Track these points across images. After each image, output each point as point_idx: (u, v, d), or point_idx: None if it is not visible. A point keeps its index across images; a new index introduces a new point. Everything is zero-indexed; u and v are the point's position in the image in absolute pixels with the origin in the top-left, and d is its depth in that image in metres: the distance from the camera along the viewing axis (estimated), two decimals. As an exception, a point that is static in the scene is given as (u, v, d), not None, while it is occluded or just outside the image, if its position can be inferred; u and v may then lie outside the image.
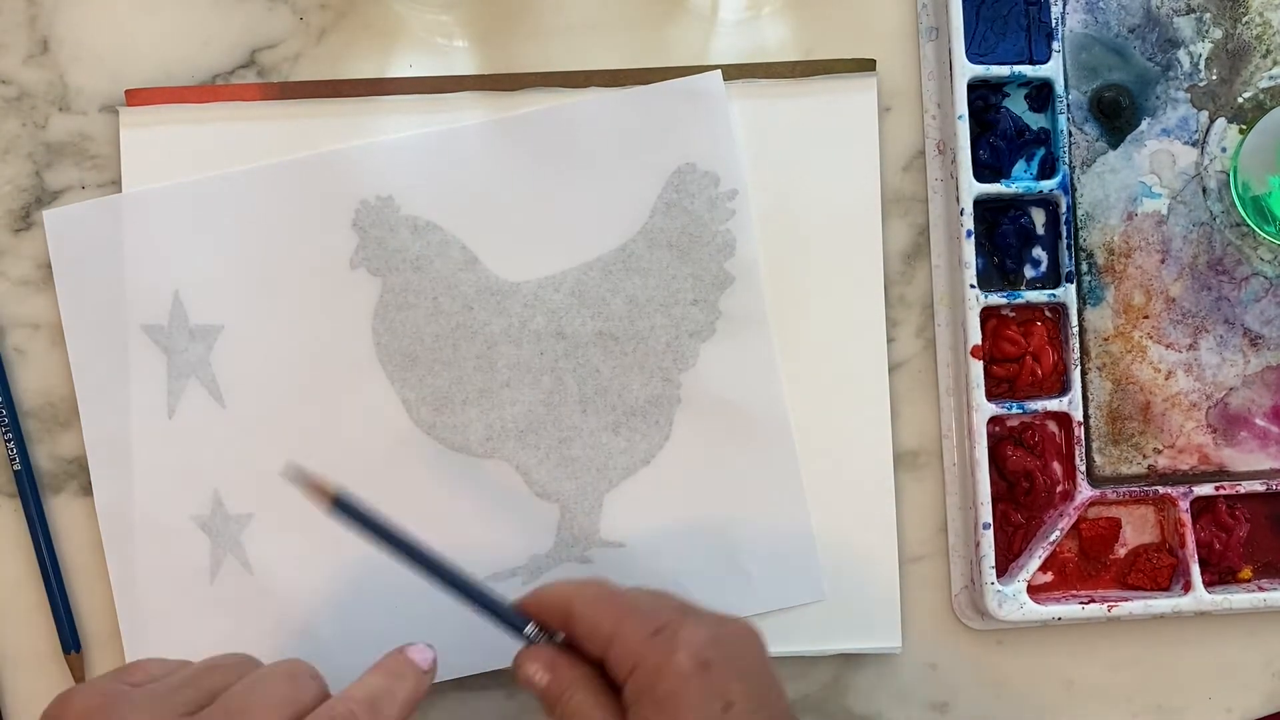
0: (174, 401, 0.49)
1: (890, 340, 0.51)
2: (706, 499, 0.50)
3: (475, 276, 0.49)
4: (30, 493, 0.49)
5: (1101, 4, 0.51)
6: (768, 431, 0.50)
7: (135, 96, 0.49)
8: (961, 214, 0.49)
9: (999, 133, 0.50)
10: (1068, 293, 0.50)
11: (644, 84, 0.49)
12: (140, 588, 0.49)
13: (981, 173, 0.50)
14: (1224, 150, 0.51)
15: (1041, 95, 0.50)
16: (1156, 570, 0.50)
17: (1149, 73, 0.51)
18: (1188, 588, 0.50)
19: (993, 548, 0.49)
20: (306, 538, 0.49)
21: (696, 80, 0.49)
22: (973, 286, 0.49)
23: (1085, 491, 0.50)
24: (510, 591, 0.49)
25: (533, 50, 0.50)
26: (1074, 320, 0.50)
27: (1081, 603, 0.49)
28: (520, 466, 0.50)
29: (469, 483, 0.49)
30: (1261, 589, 0.50)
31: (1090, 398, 0.51)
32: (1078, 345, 0.50)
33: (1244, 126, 0.50)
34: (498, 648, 0.49)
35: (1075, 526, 0.51)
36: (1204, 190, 0.51)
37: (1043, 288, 0.50)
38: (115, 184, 0.49)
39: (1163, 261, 0.51)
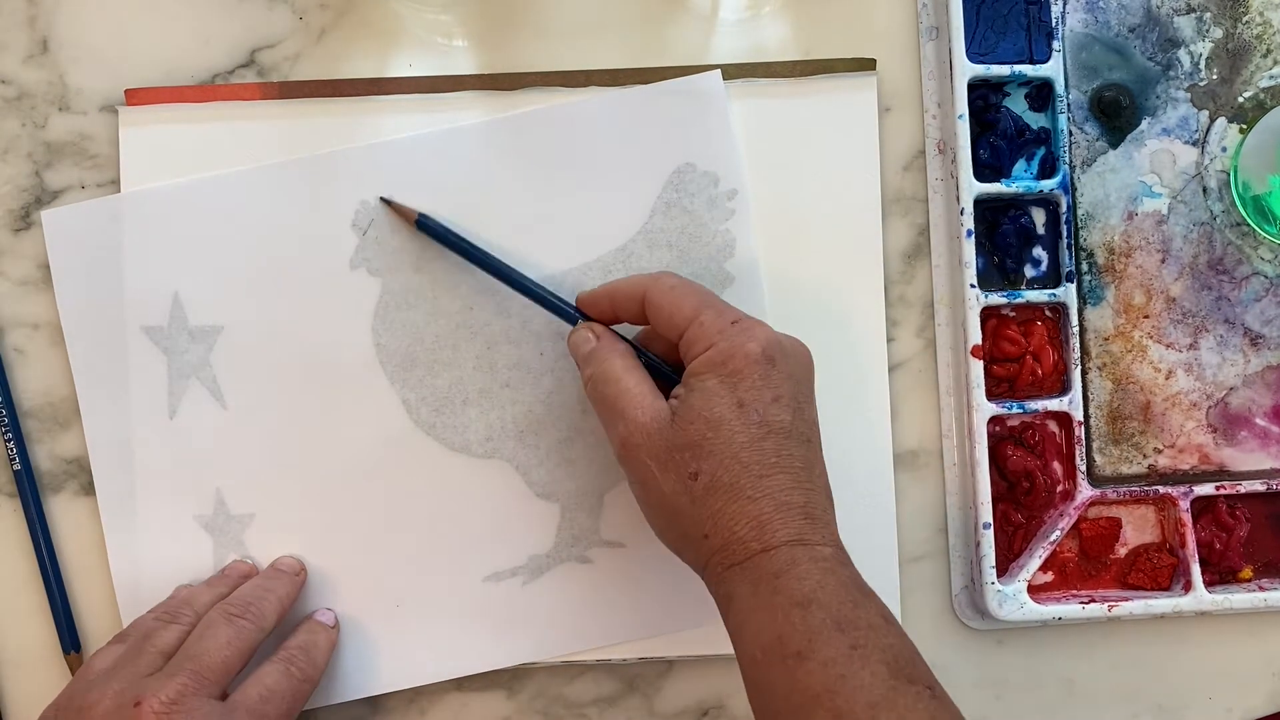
0: (175, 402, 0.49)
1: (890, 340, 0.51)
2: (706, 499, 0.50)
3: (475, 277, 0.49)
4: (30, 493, 0.49)
5: (1102, 3, 0.51)
6: (768, 431, 0.50)
7: (135, 96, 0.49)
8: (962, 214, 0.49)
9: (999, 132, 0.50)
10: (1068, 292, 0.50)
11: (644, 84, 0.49)
12: (143, 587, 0.49)
13: (982, 172, 0.50)
14: (1224, 150, 0.51)
15: (1042, 95, 0.50)
16: (1157, 570, 0.50)
17: (1149, 72, 0.51)
18: (1188, 588, 0.50)
19: (993, 548, 0.49)
20: (308, 537, 0.49)
21: (696, 80, 0.49)
22: (973, 286, 0.49)
23: (1085, 491, 0.50)
24: (511, 591, 0.49)
25: (533, 50, 0.50)
26: (1074, 320, 0.50)
27: (1081, 603, 0.49)
28: (520, 466, 0.50)
29: (469, 483, 0.49)
30: (1261, 589, 0.50)
31: (1090, 397, 0.51)
32: (1078, 345, 0.50)
33: (1244, 126, 0.50)
34: (497, 648, 0.50)
35: (1075, 526, 0.51)
36: (1204, 190, 0.51)
37: (1043, 287, 0.50)
38: (115, 184, 0.49)
39: (1163, 261, 0.51)
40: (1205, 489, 0.50)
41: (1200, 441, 0.51)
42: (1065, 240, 0.50)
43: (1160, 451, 0.51)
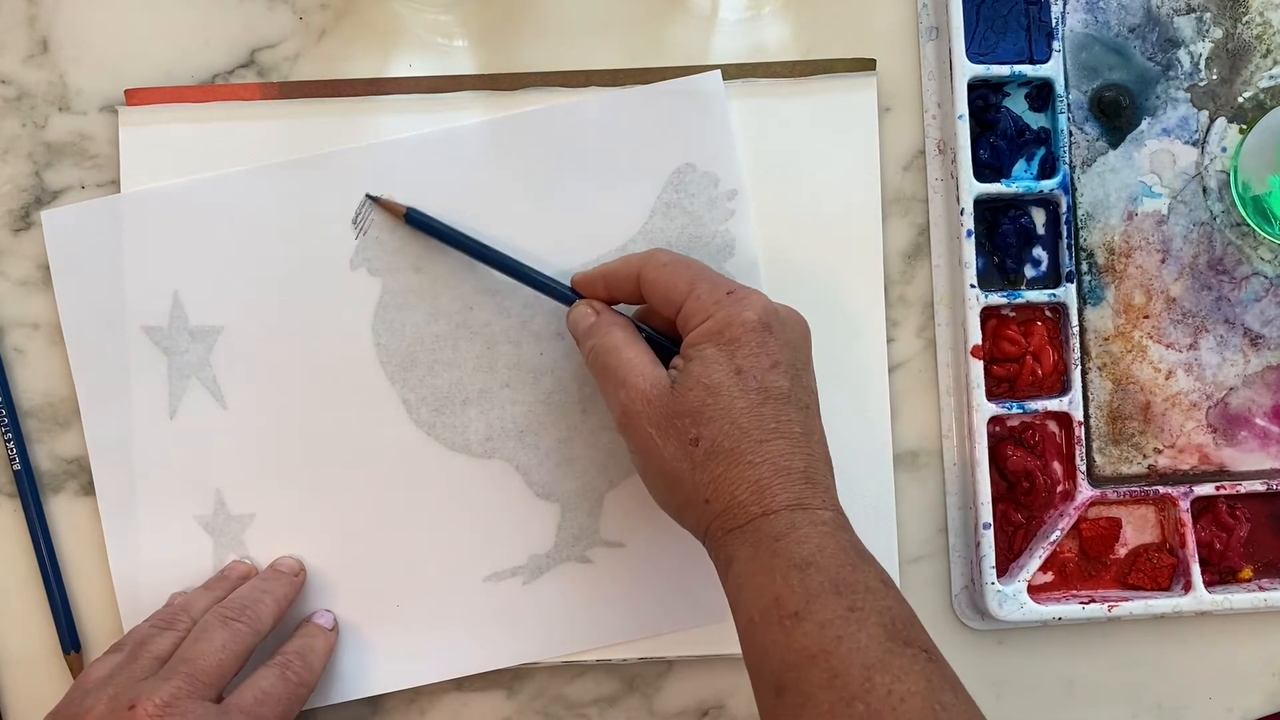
0: (175, 402, 0.49)
1: (890, 340, 0.51)
2: (706, 499, 0.50)
3: (475, 277, 0.49)
4: (30, 493, 0.49)
5: (1102, 4, 0.51)
6: (768, 431, 0.50)
7: (135, 96, 0.49)
8: (962, 214, 0.49)
9: (999, 132, 0.50)
10: (1068, 292, 0.50)
11: (644, 84, 0.49)
12: (143, 587, 0.49)
13: (982, 172, 0.50)
14: (1224, 150, 0.51)
15: (1042, 95, 0.50)
16: (1157, 570, 0.50)
17: (1149, 72, 0.51)
18: (1188, 588, 0.50)
19: (993, 548, 0.49)
20: (308, 537, 0.49)
21: (696, 80, 0.49)
22: (973, 286, 0.49)
23: (1085, 491, 0.50)
24: (511, 591, 0.49)
25: (533, 50, 0.50)
26: (1074, 320, 0.50)
27: (1082, 603, 0.49)
28: (520, 466, 0.50)
29: (469, 483, 0.49)
30: (1261, 589, 0.50)
31: (1090, 398, 0.51)
32: (1078, 345, 0.50)
33: (1244, 126, 0.50)
34: (497, 648, 0.50)
35: (1075, 526, 0.51)
36: (1204, 190, 0.51)
37: (1043, 287, 0.50)
38: (115, 184, 0.49)
39: (1163, 261, 0.51)
40: (1205, 489, 0.50)
41: (1200, 441, 0.51)
42: (1065, 240, 0.50)
43: (1160, 452, 0.51)
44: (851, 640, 0.36)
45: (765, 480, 0.40)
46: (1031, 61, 0.50)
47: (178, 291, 0.49)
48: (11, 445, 0.49)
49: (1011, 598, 0.49)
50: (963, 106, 0.49)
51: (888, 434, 0.50)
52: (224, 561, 0.49)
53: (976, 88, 0.50)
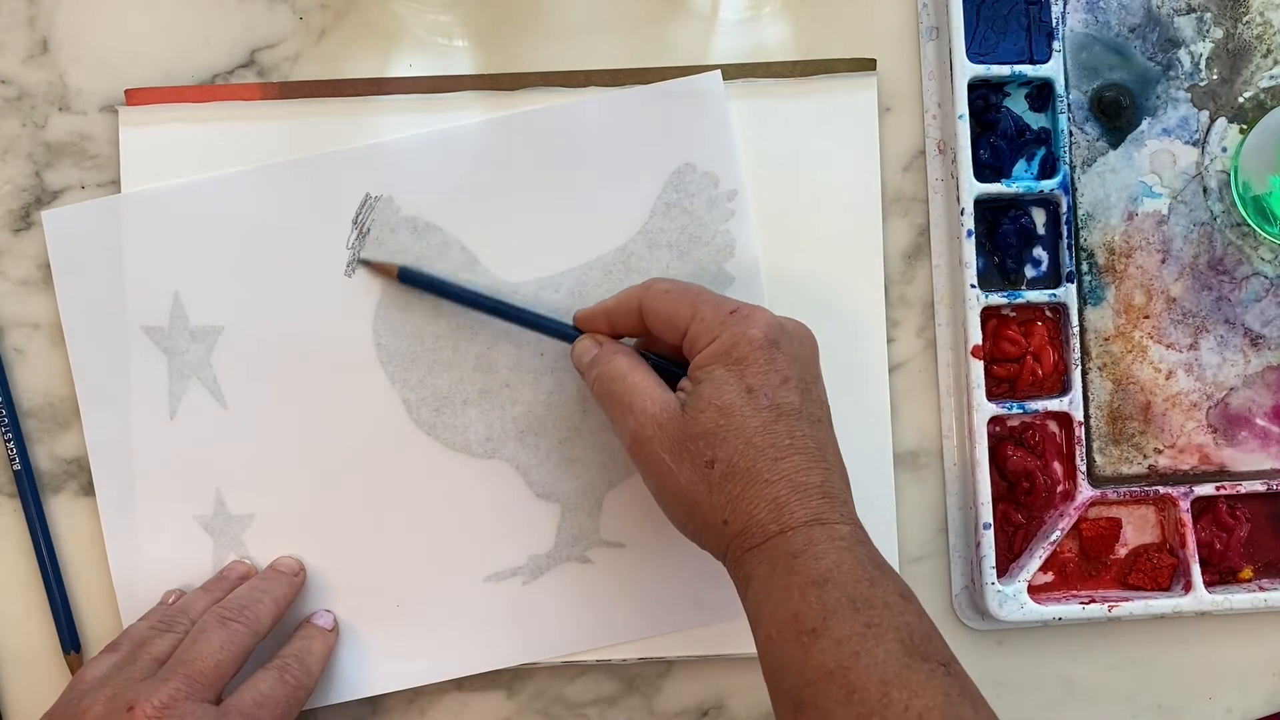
0: (175, 403, 0.49)
1: (890, 340, 0.51)
2: (706, 499, 0.50)
3: (475, 277, 0.49)
4: (30, 493, 0.49)
5: (1102, 4, 0.51)
6: (768, 431, 0.50)
7: (135, 96, 0.49)
8: (962, 214, 0.49)
9: (999, 132, 0.50)
10: (1068, 292, 0.50)
11: (644, 84, 0.49)
12: (143, 588, 0.49)
13: (982, 172, 0.50)
14: (1224, 150, 0.51)
15: (1042, 95, 0.50)
16: (1157, 570, 0.50)
17: (1149, 72, 0.51)
18: (1188, 588, 0.50)
19: (993, 548, 0.49)
20: (308, 537, 0.49)
21: (696, 80, 0.49)
22: (973, 286, 0.49)
23: (1086, 491, 0.50)
24: (511, 591, 0.49)
25: (533, 50, 0.50)
26: (1074, 320, 0.50)
27: (1082, 603, 0.49)
28: (520, 466, 0.50)
29: (469, 483, 0.49)
30: (1262, 589, 0.50)
31: (1091, 398, 0.51)
32: (1078, 345, 0.50)
33: (1244, 126, 0.50)
34: (497, 648, 0.50)
35: (1076, 526, 0.51)
36: (1204, 190, 0.51)
37: (1043, 288, 0.50)
38: (115, 184, 0.49)
39: (1163, 261, 0.51)
40: (1205, 489, 0.50)
41: (1200, 442, 0.51)
42: (1065, 240, 0.50)
43: (1160, 452, 0.51)
44: (869, 656, 0.36)
45: (783, 498, 0.39)
46: (1032, 61, 0.50)
47: (178, 292, 0.49)
48: (11, 445, 0.49)
49: (1011, 598, 0.49)
50: (963, 106, 0.49)
51: (888, 434, 0.50)
52: (224, 561, 0.49)
53: (977, 88, 0.50)
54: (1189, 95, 0.51)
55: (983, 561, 0.49)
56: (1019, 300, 0.50)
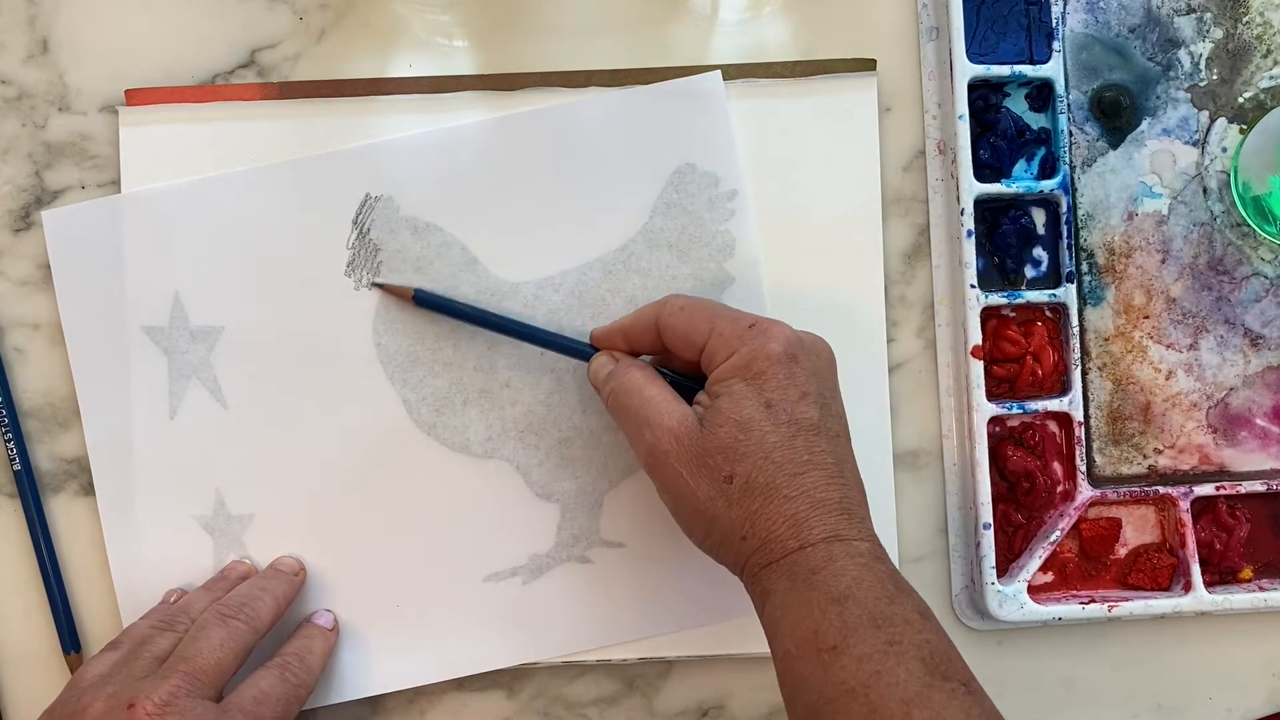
0: (175, 403, 0.49)
1: (890, 340, 0.51)
2: (706, 499, 0.50)
3: (475, 277, 0.49)
4: (30, 493, 0.49)
5: (1102, 4, 0.51)
6: (768, 431, 0.50)
7: (135, 96, 0.49)
8: (962, 214, 0.49)
9: (999, 132, 0.50)
10: (1068, 293, 0.50)
11: (644, 84, 0.49)
12: (143, 587, 0.49)
13: (982, 173, 0.50)
14: (1224, 150, 0.51)
15: (1042, 95, 0.50)
16: (1157, 570, 0.50)
17: (1149, 73, 0.51)
18: (1188, 588, 0.50)
19: (993, 548, 0.49)
20: (308, 537, 0.49)
21: (696, 80, 0.49)
22: (973, 286, 0.49)
23: (1086, 491, 0.50)
24: (511, 591, 0.49)
25: (533, 50, 0.50)
26: (1074, 320, 0.50)
27: (1081, 603, 0.49)
28: (520, 466, 0.50)
29: (469, 483, 0.49)
30: (1261, 589, 0.50)
31: (1091, 398, 0.51)
32: (1078, 345, 0.50)
33: (1244, 126, 0.50)
34: (497, 648, 0.50)
35: (1075, 526, 0.51)
36: (1204, 190, 0.51)
37: (1043, 288, 0.50)
38: (115, 184, 0.49)
39: (1163, 261, 0.51)
40: (1205, 489, 0.50)
41: (1200, 442, 0.51)
42: (1065, 240, 0.50)
43: (1160, 452, 0.51)
44: (890, 675, 0.36)
45: (802, 514, 0.39)
46: (1032, 62, 0.50)
47: (178, 292, 0.49)
48: (11, 445, 0.49)
49: (1011, 598, 0.49)
50: (963, 106, 0.49)
51: (888, 434, 0.50)
52: (224, 561, 0.49)
53: (976, 88, 0.50)
54: (1189, 95, 0.51)
55: (983, 561, 0.49)
56: (1019, 300, 0.50)
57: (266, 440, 0.49)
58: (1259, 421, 0.51)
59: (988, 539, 0.49)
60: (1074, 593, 0.51)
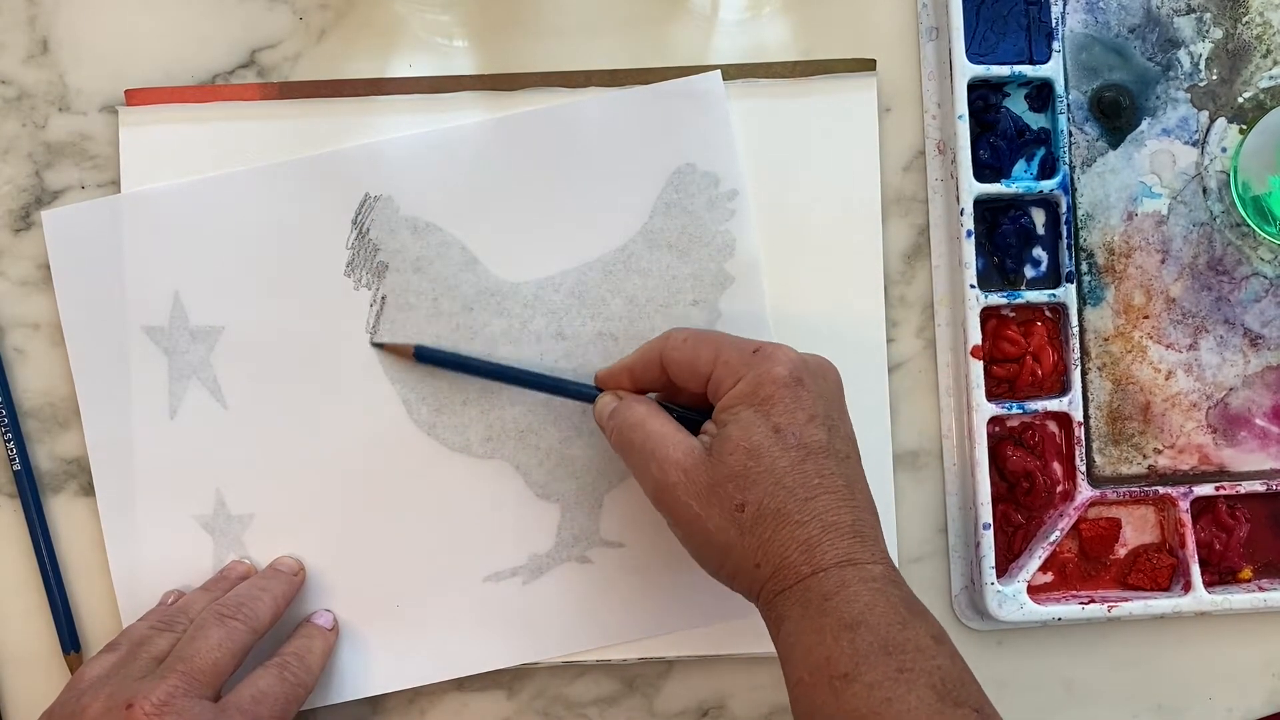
0: (175, 403, 0.49)
1: (890, 340, 0.51)
2: (706, 499, 0.50)
3: (475, 277, 0.49)
4: (30, 493, 0.49)
5: (1102, 4, 0.51)
6: (768, 431, 0.50)
7: (135, 96, 0.49)
8: (961, 214, 0.49)
9: (999, 133, 0.50)
10: (1068, 293, 0.50)
11: (644, 84, 0.49)
12: (143, 587, 0.49)
13: (982, 173, 0.50)
14: (1224, 150, 0.51)
15: (1042, 95, 0.50)
16: (1156, 570, 0.50)
17: (1149, 73, 0.51)
18: (1188, 588, 0.50)
19: (993, 548, 0.49)
20: (308, 537, 0.49)
21: (696, 80, 0.49)
22: (973, 286, 0.49)
23: (1085, 492, 0.50)
24: (511, 591, 0.49)
25: (533, 50, 0.50)
26: (1074, 320, 0.50)
27: (1081, 603, 0.49)
28: (520, 466, 0.50)
29: (469, 483, 0.49)
30: (1261, 589, 0.50)
31: (1090, 398, 0.51)
32: (1078, 345, 0.50)
33: (1244, 126, 0.50)
34: (497, 648, 0.50)
35: (1075, 527, 0.51)
36: (1204, 190, 0.51)
37: (1043, 288, 0.50)
38: (115, 184, 0.49)
39: (1163, 261, 0.51)
40: (1205, 489, 0.50)
41: (1200, 442, 0.51)
42: (1065, 241, 0.50)
43: (1160, 452, 0.51)
44: (901, 702, 0.36)
45: (814, 538, 0.39)
46: (1031, 62, 0.50)
47: (178, 291, 0.49)
48: (11, 445, 0.49)
49: (1011, 598, 0.49)
50: (963, 107, 0.49)
51: (888, 434, 0.50)
52: (224, 561, 0.49)
53: (976, 88, 0.50)
54: (1189, 95, 0.51)
55: (982, 562, 0.49)
56: (1018, 300, 0.50)
57: (266, 440, 0.49)
58: (1259, 421, 0.51)
59: (987, 539, 0.49)
60: (1074, 593, 0.51)
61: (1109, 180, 0.51)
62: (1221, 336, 0.51)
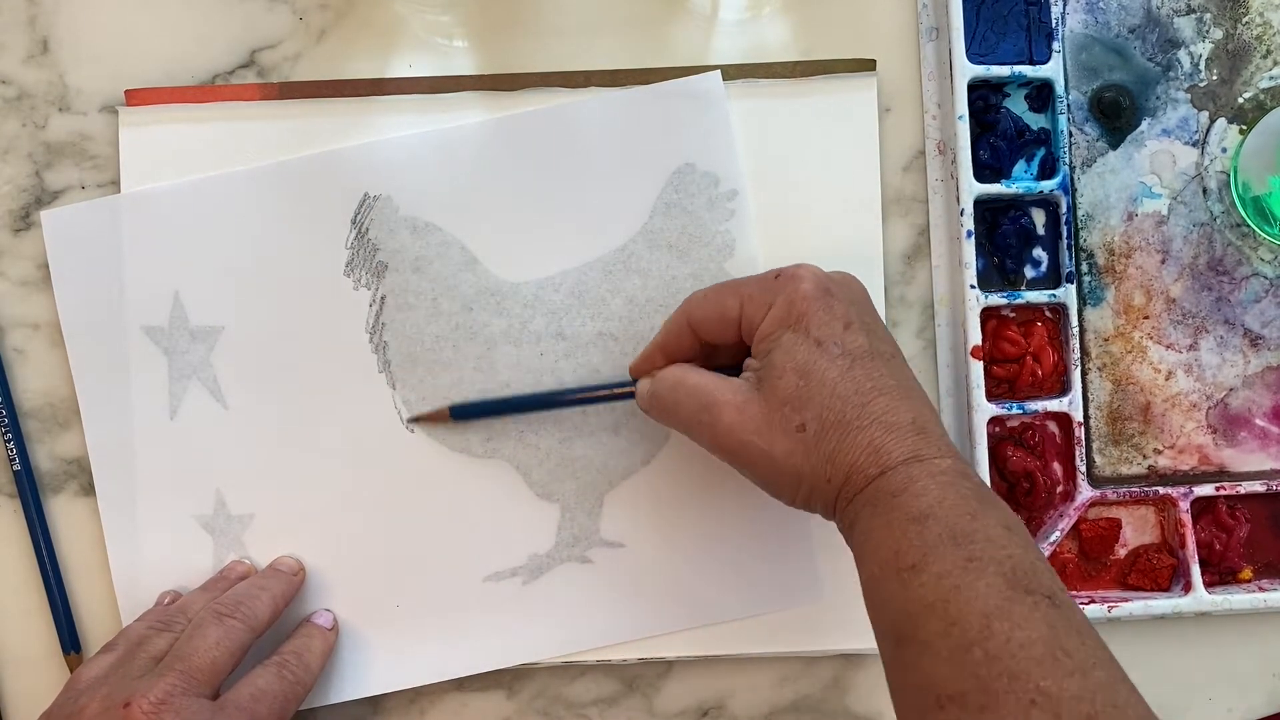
0: (175, 403, 0.49)
1: (890, 340, 0.51)
2: (706, 499, 0.50)
3: (475, 277, 0.49)
4: (30, 493, 0.49)
5: (1102, 4, 0.51)
6: (768, 432, 0.50)
7: (135, 96, 0.49)
8: (962, 214, 0.49)
9: (999, 133, 0.50)
10: (1068, 293, 0.50)
11: (644, 84, 0.49)
12: (143, 587, 0.49)
13: (982, 173, 0.50)
14: (1224, 150, 0.51)
15: (1042, 95, 0.50)
16: (1156, 571, 0.50)
17: (1149, 73, 0.51)
18: (1188, 588, 0.50)
19: (993, 548, 0.49)
20: (308, 537, 0.49)
21: (696, 80, 0.49)
22: (973, 287, 0.49)
23: (1085, 492, 0.50)
24: (511, 591, 0.49)
25: (533, 50, 0.50)
26: (1074, 320, 0.50)
27: (1081, 603, 0.49)
28: (520, 466, 0.50)
29: (469, 483, 0.49)
30: (1261, 589, 0.50)
31: (1090, 398, 0.51)
32: (1078, 346, 0.50)
33: (1244, 127, 0.50)
34: (497, 648, 0.50)
35: (1075, 527, 0.51)
36: (1204, 190, 0.51)
37: (1043, 288, 0.50)
38: (115, 184, 0.49)
39: (1163, 262, 0.51)
40: (1205, 490, 0.50)
41: (1200, 442, 0.51)
42: (1065, 241, 0.50)
43: (1160, 452, 0.51)
44: (970, 590, 0.36)
45: (878, 440, 0.39)
46: (1031, 62, 0.50)
47: (178, 292, 0.49)
48: (11, 445, 0.49)
49: (1011, 598, 0.49)
50: (963, 107, 0.49)
51: (888, 434, 0.50)
52: (224, 561, 0.49)
53: (976, 88, 0.50)
54: (1189, 96, 0.51)
55: (982, 562, 0.49)
56: (1019, 301, 0.50)
57: (266, 440, 0.49)
58: (1259, 422, 0.51)
59: (987, 539, 0.49)
60: (1074, 593, 0.51)
61: (1109, 180, 0.51)
62: (1221, 337, 0.51)
